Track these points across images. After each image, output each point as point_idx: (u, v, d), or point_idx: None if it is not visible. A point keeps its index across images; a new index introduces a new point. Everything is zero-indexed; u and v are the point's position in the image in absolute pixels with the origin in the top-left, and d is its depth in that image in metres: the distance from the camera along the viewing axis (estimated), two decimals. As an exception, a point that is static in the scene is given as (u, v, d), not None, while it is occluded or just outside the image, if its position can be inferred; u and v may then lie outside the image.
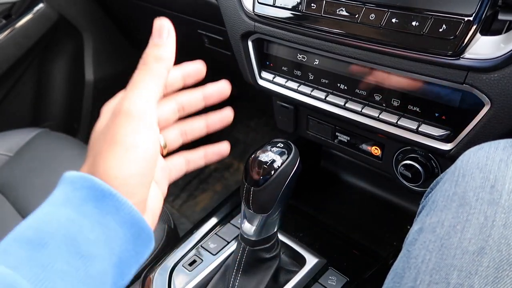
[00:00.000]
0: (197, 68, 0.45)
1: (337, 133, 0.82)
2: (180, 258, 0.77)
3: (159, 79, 0.39)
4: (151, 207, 0.40)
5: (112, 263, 0.35)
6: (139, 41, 1.60)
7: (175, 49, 0.41)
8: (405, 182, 0.73)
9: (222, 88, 0.46)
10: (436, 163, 0.69)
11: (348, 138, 0.80)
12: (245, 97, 1.76)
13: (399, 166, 0.72)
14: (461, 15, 0.51)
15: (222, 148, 0.48)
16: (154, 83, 0.39)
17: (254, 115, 1.88)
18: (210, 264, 0.75)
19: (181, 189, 1.69)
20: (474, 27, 0.51)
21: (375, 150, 0.77)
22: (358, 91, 0.68)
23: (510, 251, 0.34)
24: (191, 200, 1.68)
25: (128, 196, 0.36)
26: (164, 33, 0.40)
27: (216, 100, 0.46)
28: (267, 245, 0.66)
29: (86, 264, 0.33)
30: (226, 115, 0.47)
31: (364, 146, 0.79)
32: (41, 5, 1.33)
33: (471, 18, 0.50)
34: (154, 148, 0.38)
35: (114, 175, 0.35)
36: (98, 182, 0.35)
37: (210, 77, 0.48)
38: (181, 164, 0.46)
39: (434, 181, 0.48)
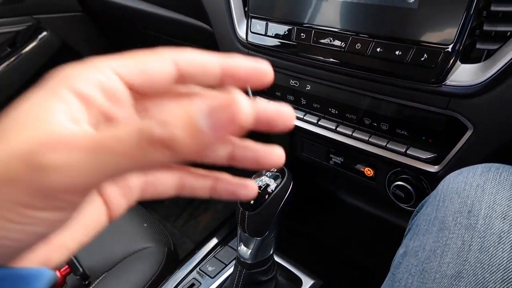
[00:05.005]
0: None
1: (331, 155, 0.84)
2: (179, 282, 0.78)
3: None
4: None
5: None
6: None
7: None
8: (398, 202, 0.74)
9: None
10: (427, 184, 0.71)
11: (342, 160, 0.82)
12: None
13: (392, 187, 0.74)
14: (441, 44, 0.53)
15: (248, 188, 0.29)
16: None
17: (252, 136, 1.90)
18: (208, 287, 0.76)
19: (183, 209, 1.71)
20: (454, 56, 0.53)
21: (368, 172, 0.79)
22: (348, 115, 0.71)
23: (484, 274, 0.35)
24: (193, 220, 1.69)
25: None
26: None
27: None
28: (264, 268, 0.67)
29: None
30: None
31: (358, 167, 0.80)
32: (45, 33, 1.37)
33: (449, 49, 0.52)
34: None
35: None
36: None
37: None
38: (168, 184, 0.28)
39: (420, 204, 0.49)
